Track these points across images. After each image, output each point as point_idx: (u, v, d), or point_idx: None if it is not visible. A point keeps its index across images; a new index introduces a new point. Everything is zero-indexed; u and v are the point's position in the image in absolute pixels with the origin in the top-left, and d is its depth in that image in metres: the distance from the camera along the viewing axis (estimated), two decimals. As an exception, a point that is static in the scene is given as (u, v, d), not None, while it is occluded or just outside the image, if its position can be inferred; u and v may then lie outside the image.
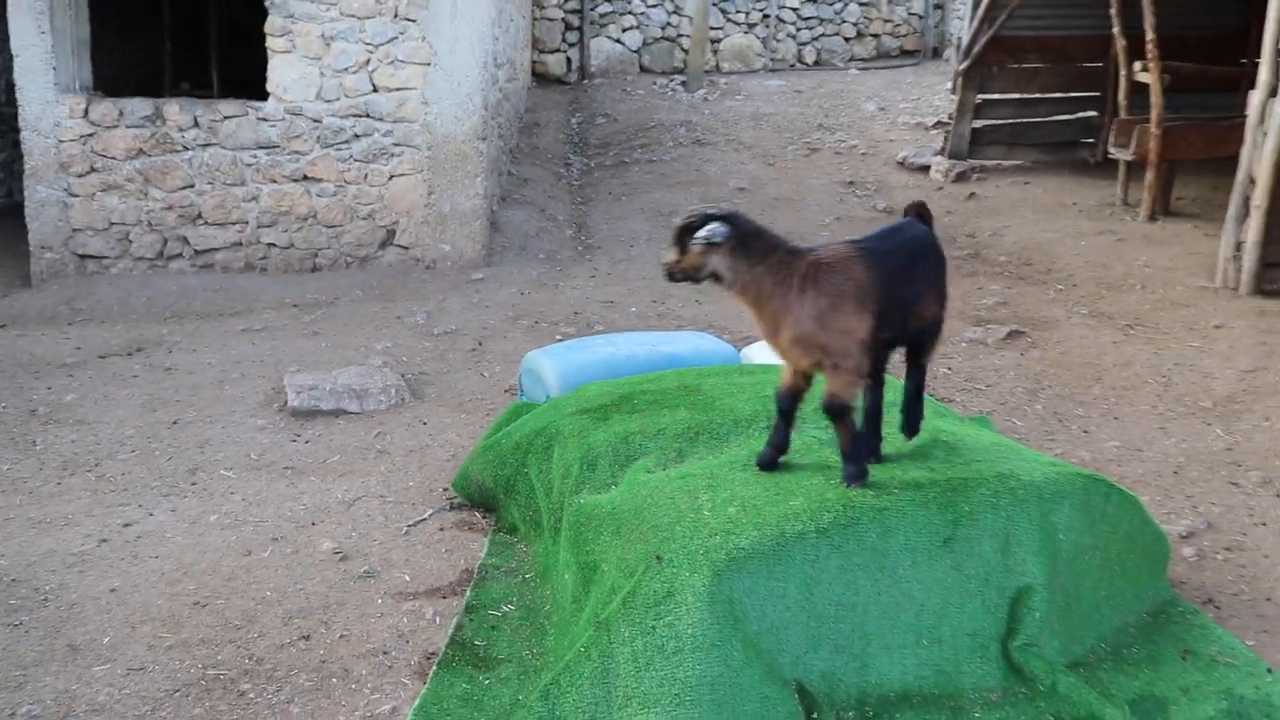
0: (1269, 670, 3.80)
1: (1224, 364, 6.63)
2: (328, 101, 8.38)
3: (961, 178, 12.07)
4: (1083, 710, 3.54)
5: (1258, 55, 7.97)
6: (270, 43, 8.30)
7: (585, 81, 17.19)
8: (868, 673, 3.66)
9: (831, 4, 18.67)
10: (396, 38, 8.32)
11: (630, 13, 17.52)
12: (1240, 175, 7.98)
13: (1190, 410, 6.07)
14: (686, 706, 3.30)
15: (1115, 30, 10.59)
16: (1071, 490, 3.97)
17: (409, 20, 8.29)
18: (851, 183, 12.23)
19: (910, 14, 19.19)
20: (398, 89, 8.40)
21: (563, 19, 17.14)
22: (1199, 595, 4.32)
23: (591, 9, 17.24)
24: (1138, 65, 10.10)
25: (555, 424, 4.64)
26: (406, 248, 8.69)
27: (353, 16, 8.25)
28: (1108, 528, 4.06)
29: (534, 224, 9.91)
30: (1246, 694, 3.69)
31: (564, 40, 17.24)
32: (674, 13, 17.75)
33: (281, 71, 8.35)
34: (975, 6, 12.13)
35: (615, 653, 3.42)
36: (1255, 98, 7.85)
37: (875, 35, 19.12)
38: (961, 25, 14.78)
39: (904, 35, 19.29)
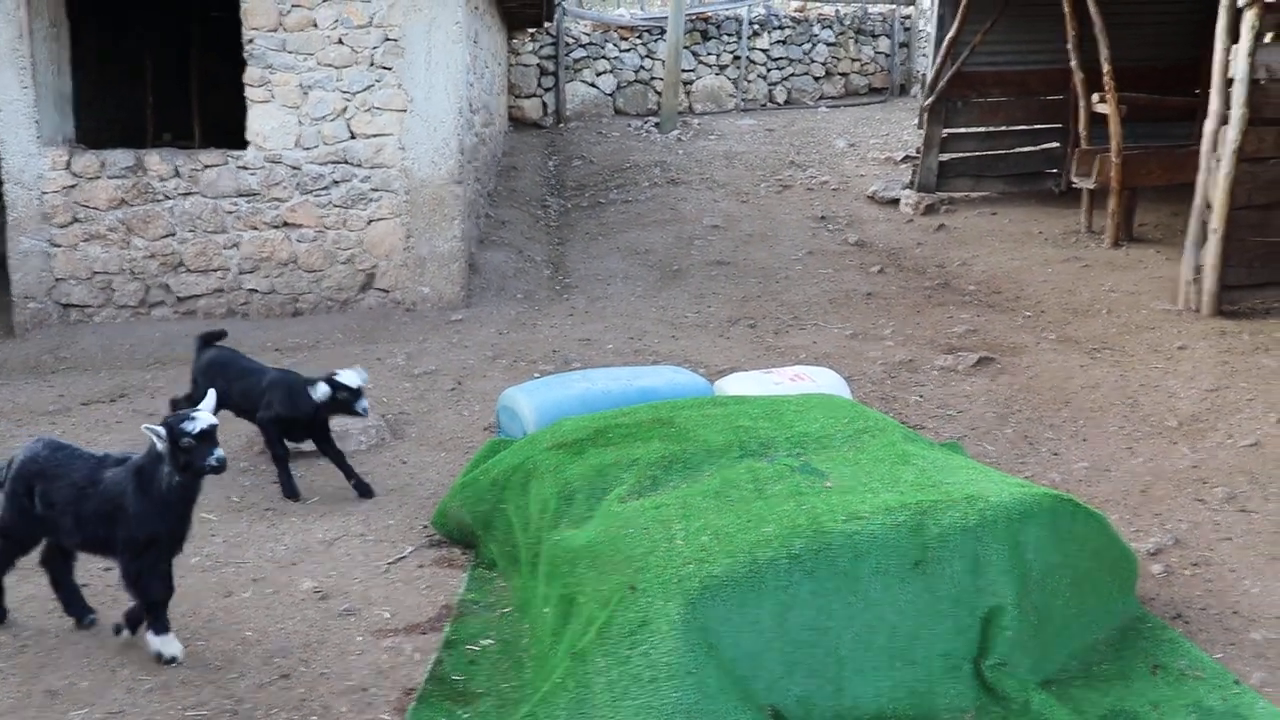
0: (1236, 681, 3.88)
1: (1188, 384, 6.75)
2: (306, 149, 8.48)
3: (930, 210, 12.27)
4: (1055, 727, 3.60)
5: (1209, 85, 8.22)
6: (249, 93, 8.41)
7: (561, 125, 17.40)
8: (843, 696, 3.72)
9: (801, 44, 19.00)
10: (373, 85, 8.44)
11: (604, 57, 17.79)
12: (1197, 201, 8.17)
13: (1156, 430, 6.19)
14: (663, 734, 3.35)
15: (1073, 64, 10.85)
16: (1039, 510, 4.05)
17: (385, 69, 8.42)
18: (823, 217, 12.40)
19: (877, 53, 19.55)
20: (375, 135, 8.52)
21: (538, 64, 17.38)
22: (1168, 610, 4.40)
23: (566, 54, 17.49)
24: (1096, 97, 10.33)
25: (532, 459, 4.70)
26: (386, 291, 8.77)
27: (330, 66, 8.38)
28: (1075, 546, 4.14)
29: (512, 265, 10.01)
30: (1214, 706, 3.76)
31: (540, 85, 17.47)
32: (647, 56, 18.02)
33: (260, 120, 8.46)
34: (939, 44, 12.39)
35: (591, 683, 3.46)
36: (1207, 126, 8.05)
37: (844, 74, 19.45)
38: (926, 63, 15.07)
39: (872, 73, 19.63)
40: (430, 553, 4.93)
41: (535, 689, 3.72)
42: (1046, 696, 3.72)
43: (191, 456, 3.75)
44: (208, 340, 5.90)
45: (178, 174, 8.47)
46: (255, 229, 8.57)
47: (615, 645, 3.51)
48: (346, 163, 8.54)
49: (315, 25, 8.31)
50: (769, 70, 18.91)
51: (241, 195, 8.51)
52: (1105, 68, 9.97)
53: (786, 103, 19.05)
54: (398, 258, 8.70)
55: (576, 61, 17.65)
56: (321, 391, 5.34)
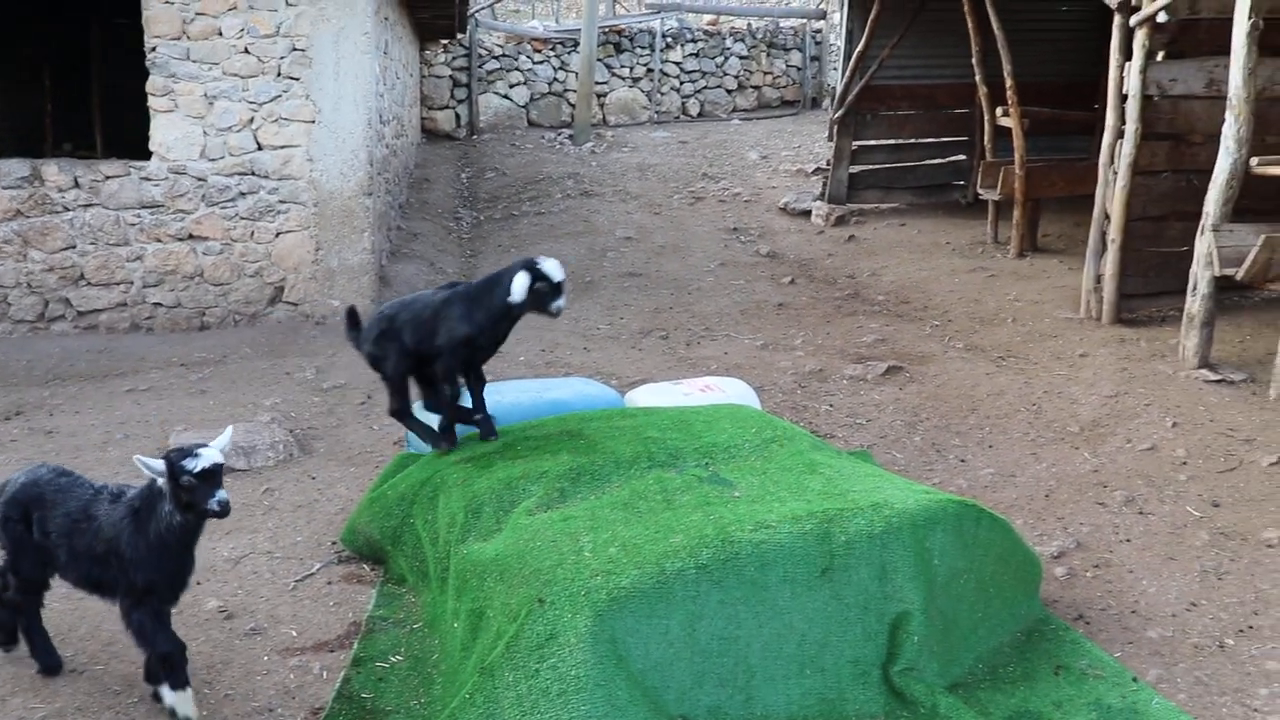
0: (1134, 679, 3.98)
1: (1089, 390, 6.94)
2: (212, 160, 8.30)
3: (841, 221, 12.44)
4: (962, 728, 3.65)
5: (1106, 102, 8.46)
6: (152, 102, 8.20)
7: (474, 137, 17.30)
8: (753, 705, 3.73)
9: (713, 58, 19.16)
10: (280, 96, 8.29)
11: (518, 69, 17.74)
12: (1096, 212, 8.42)
13: (1059, 436, 6.34)
14: (574, 748, 3.32)
15: (977, 78, 11.11)
16: (944, 516, 4.12)
17: (292, 79, 8.28)
18: (735, 229, 12.50)
19: (789, 66, 19.80)
20: (282, 146, 8.36)
21: (451, 76, 17.27)
22: (1070, 612, 4.50)
23: (479, 66, 17.40)
24: (1000, 110, 10.59)
25: (440, 473, 4.64)
26: (295, 304, 8.61)
27: (235, 75, 8.21)
28: (980, 551, 4.21)
29: (423, 277, 9.90)
30: (1114, 703, 3.86)
31: (453, 97, 17.35)
32: (560, 68, 18.02)
33: (164, 131, 8.24)
34: (847, 57, 12.59)
35: (500, 697, 3.42)
36: (1104, 140, 8.30)
37: (756, 87, 19.67)
38: (838, 76, 15.31)
39: (784, 87, 19.88)
40: (339, 569, 4.84)
41: (445, 705, 3.67)
42: (953, 700, 3.78)
43: (193, 496, 3.43)
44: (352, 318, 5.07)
45: (77, 185, 8.21)
46: (160, 241, 8.35)
47: (524, 659, 3.47)
48: (253, 174, 8.37)
49: (220, 34, 8.14)
50: (682, 83, 19.04)
51: (145, 207, 8.29)
52: (1008, 82, 10.23)
53: (700, 115, 19.20)
54: (306, 270, 8.55)
55: (490, 73, 17.57)
56: (520, 285, 4.41)
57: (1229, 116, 7.01)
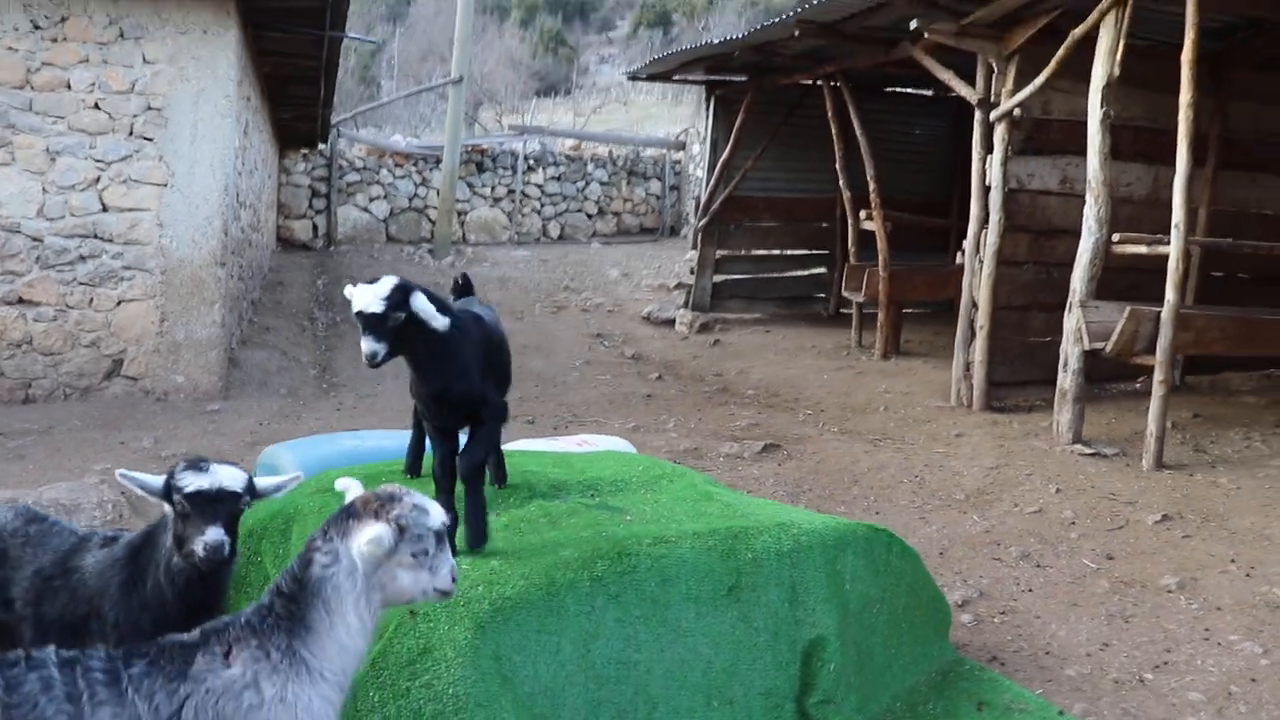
0: (1060, 713, 3.68)
1: (969, 463, 6.82)
2: (50, 219, 7.65)
3: (705, 328, 12.39)
4: (885, 762, 3.26)
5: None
6: (-12, 154, 7.59)
7: (332, 248, 16.82)
8: (655, 740, 3.27)
9: (575, 182, 19.30)
10: (130, 156, 7.76)
11: (378, 182, 17.46)
12: (964, 300, 8.51)
13: (946, 503, 6.15)
14: (451, 778, 2.80)
15: (841, 183, 11.36)
16: (855, 539, 3.81)
17: (145, 139, 7.77)
18: (599, 335, 12.29)
19: (649, 194, 20.10)
20: (130, 209, 7.78)
21: (310, 185, 16.85)
22: (983, 654, 4.21)
23: (340, 178, 17.06)
24: (863, 214, 10.79)
25: (294, 504, 4.08)
26: (135, 378, 7.88)
27: (82, 131, 7.66)
28: (892, 579, 3.90)
29: (275, 362, 9.30)
30: (1043, 735, 3.54)
31: (311, 207, 16.90)
32: (421, 184, 17.82)
33: (-1, 185, 7.61)
34: (711, 166, 12.77)
35: (364, 722, 2.89)
36: (970, 230, 8.48)
37: (617, 213, 19.84)
38: (696, 205, 15.55)
39: (644, 214, 20.12)
40: (166, 624, 4.19)
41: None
42: (874, 733, 3.39)
43: (182, 528, 2.53)
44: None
45: (-112, 242, 7.46)
46: (-17, 304, 7.60)
47: (391, 676, 2.96)
48: (96, 237, 7.74)
49: (69, 87, 7.62)
50: (543, 205, 19.06)
51: (-32, 266, 7.57)
52: (871, 185, 10.45)
53: (560, 238, 19.18)
54: (149, 342, 7.88)
55: (350, 185, 17.23)
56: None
57: (1089, 199, 7.21)
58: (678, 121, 24.14)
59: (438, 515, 2.33)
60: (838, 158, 11.29)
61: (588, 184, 19.46)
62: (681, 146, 20.22)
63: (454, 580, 2.35)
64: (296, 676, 2.08)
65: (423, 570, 2.27)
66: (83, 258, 7.72)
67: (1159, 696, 3.86)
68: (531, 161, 18.77)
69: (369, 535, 2.16)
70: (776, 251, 13.48)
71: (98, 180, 7.72)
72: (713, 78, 12.65)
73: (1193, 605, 4.65)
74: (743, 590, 3.49)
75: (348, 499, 2.39)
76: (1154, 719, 3.69)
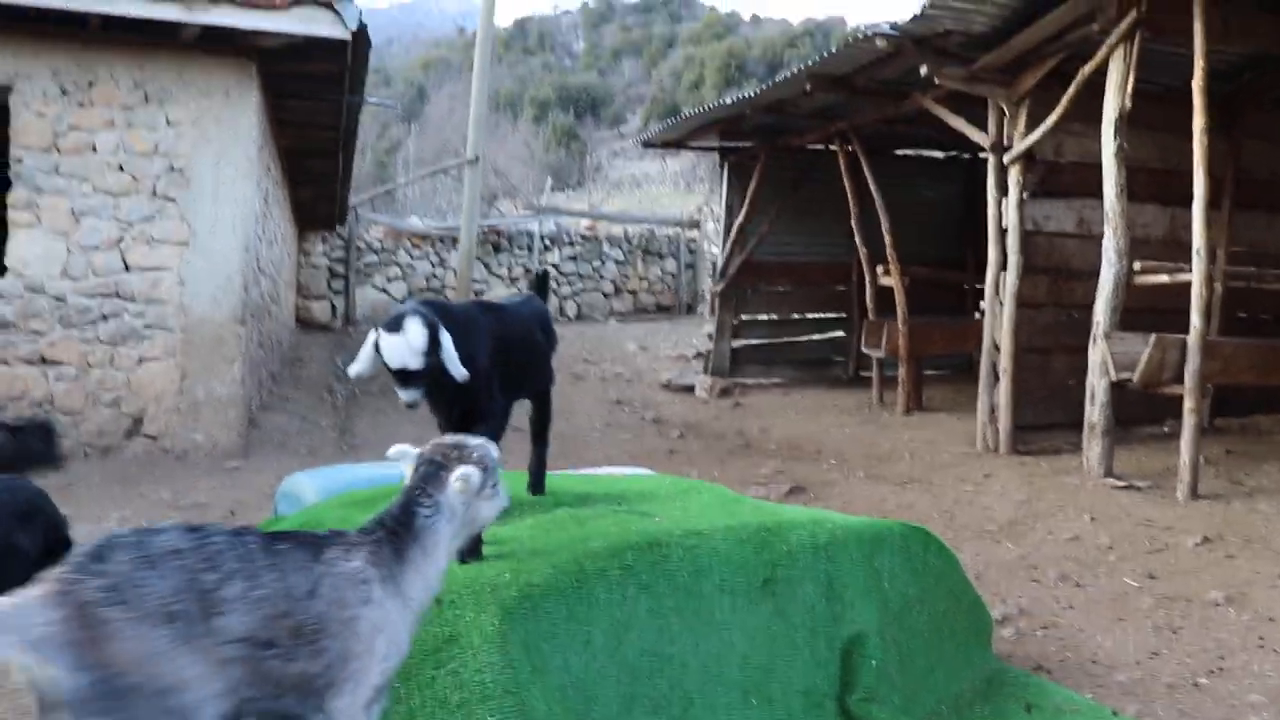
0: (1114, 713, 3.52)
1: (1000, 499, 6.68)
2: (74, 279, 7.68)
3: (725, 393, 12.31)
4: (935, 757, 3.11)
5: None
6: (12, 215, 7.60)
7: (350, 328, 16.88)
8: (692, 738, 3.13)
9: (590, 261, 19.44)
10: (153, 216, 7.82)
11: (396, 263, 17.63)
12: (986, 344, 8.44)
13: (978, 534, 6.01)
14: (479, 767, 2.67)
15: (857, 240, 11.38)
16: (891, 536, 3.71)
17: (167, 199, 7.84)
18: (619, 401, 12.22)
19: (664, 273, 20.21)
20: (152, 268, 7.82)
21: (328, 266, 17.00)
22: (1027, 664, 4.06)
23: (358, 259, 17.22)
24: (880, 269, 10.79)
25: (317, 517, 4.01)
26: (155, 437, 7.83)
27: (107, 193, 7.74)
28: (932, 580, 3.78)
29: (295, 426, 9.27)
30: (1096, 732, 3.38)
31: (329, 287, 17.03)
32: (439, 264, 17.98)
33: (23, 246, 7.60)
34: (727, 230, 12.82)
35: (388, 714, 2.76)
36: (989, 273, 8.45)
37: (633, 292, 19.93)
38: (711, 283, 15.61)
39: (660, 292, 20.20)
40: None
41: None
42: (921, 727, 3.25)
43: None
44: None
45: (-82, 300, 7.50)
46: (6, 364, 7.56)
47: (417, 666, 2.83)
48: (118, 296, 7.77)
49: (94, 149, 7.72)
50: (560, 285, 19.16)
51: (-6, 326, 7.60)
52: (888, 239, 10.46)
53: (578, 316, 19.24)
54: (170, 401, 7.85)
55: (367, 266, 17.40)
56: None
57: (1107, 230, 7.19)
58: (689, 208, 24.40)
59: (494, 447, 2.54)
60: (853, 216, 11.33)
61: (604, 263, 19.58)
62: (696, 225, 20.38)
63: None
64: (393, 595, 2.28)
65: (497, 499, 2.52)
66: (104, 316, 7.75)
67: (1217, 699, 3.69)
68: (547, 241, 18.93)
69: (460, 474, 2.39)
70: (794, 315, 13.46)
71: (120, 240, 7.78)
72: (726, 144, 12.79)
73: (1244, 617, 4.50)
74: (778, 584, 3.38)
75: (403, 466, 2.54)
76: (1214, 719, 3.52)
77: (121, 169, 7.77)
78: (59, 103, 7.66)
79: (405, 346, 3.03)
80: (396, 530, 2.35)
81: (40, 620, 1.81)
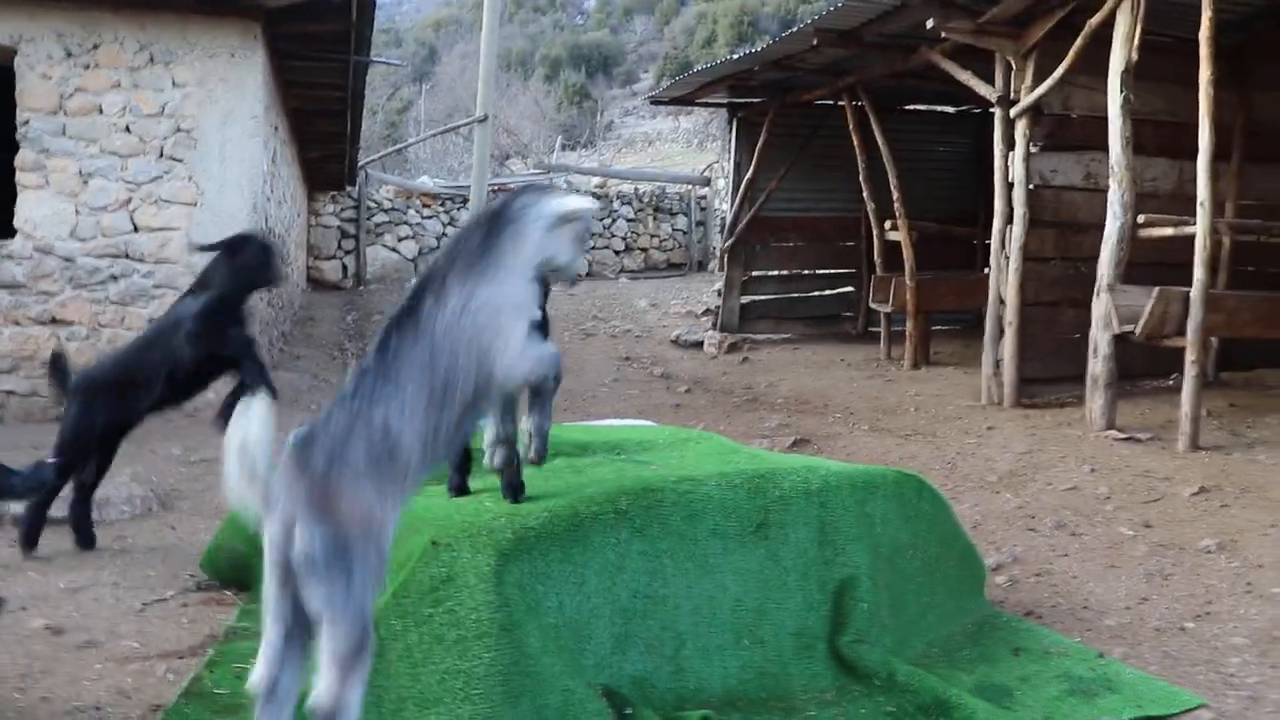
0: (1100, 655, 3.60)
1: (1001, 450, 6.74)
2: (83, 240, 7.77)
3: (734, 348, 12.36)
4: (927, 697, 3.19)
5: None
6: (20, 177, 7.69)
7: (361, 288, 16.98)
8: (684, 677, 3.22)
9: (601, 219, 19.42)
10: (161, 177, 7.89)
11: (406, 223, 17.67)
12: (991, 297, 8.46)
13: (979, 485, 6.08)
14: (474, 702, 2.77)
15: (865, 195, 11.37)
16: (884, 482, 3.77)
17: (175, 160, 7.90)
18: (628, 358, 12.29)
19: (675, 230, 20.18)
20: (161, 229, 7.90)
21: (339, 227, 17.07)
22: (1018, 610, 4.13)
23: (368, 219, 17.27)
24: (889, 224, 10.79)
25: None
26: (164, 397, 7.95)
27: (114, 154, 7.80)
28: (924, 526, 3.85)
29: (306, 383, 9.37)
30: (1084, 674, 3.46)
31: (340, 247, 17.11)
32: (449, 224, 18.00)
33: (32, 208, 7.70)
34: (735, 187, 12.82)
35: (385, 650, 2.86)
36: (995, 225, 8.45)
37: (644, 249, 19.93)
38: (722, 240, 15.62)
39: (670, 250, 20.19)
40: (196, 595, 4.20)
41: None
42: (912, 669, 3.32)
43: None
44: None
45: (-71, 261, 7.60)
46: (18, 324, 7.69)
47: (414, 605, 2.94)
48: (127, 256, 7.85)
49: (101, 111, 7.77)
50: (572, 243, 19.18)
51: (4, 287, 7.67)
52: (895, 195, 10.45)
53: (588, 274, 19.26)
54: (178, 359, 7.95)
55: (378, 226, 17.45)
56: None
57: (1112, 184, 7.19)
58: (701, 166, 24.31)
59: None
60: (861, 171, 11.31)
61: (614, 221, 19.58)
62: (707, 183, 20.34)
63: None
64: (488, 284, 2.66)
65: (578, 253, 2.88)
66: (114, 277, 7.84)
67: (1201, 641, 3.76)
68: (558, 199, 18.91)
69: (572, 201, 2.80)
70: (803, 271, 13.47)
71: (129, 201, 7.86)
72: (735, 100, 12.75)
73: (1233, 564, 4.56)
74: (770, 528, 3.45)
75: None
76: (1197, 660, 3.60)
77: (128, 130, 7.83)
78: (64, 65, 7.71)
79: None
80: (488, 229, 2.73)
81: (289, 494, 2.32)
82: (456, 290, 2.62)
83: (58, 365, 4.77)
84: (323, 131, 12.67)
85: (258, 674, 2.45)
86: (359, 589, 2.34)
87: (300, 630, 2.41)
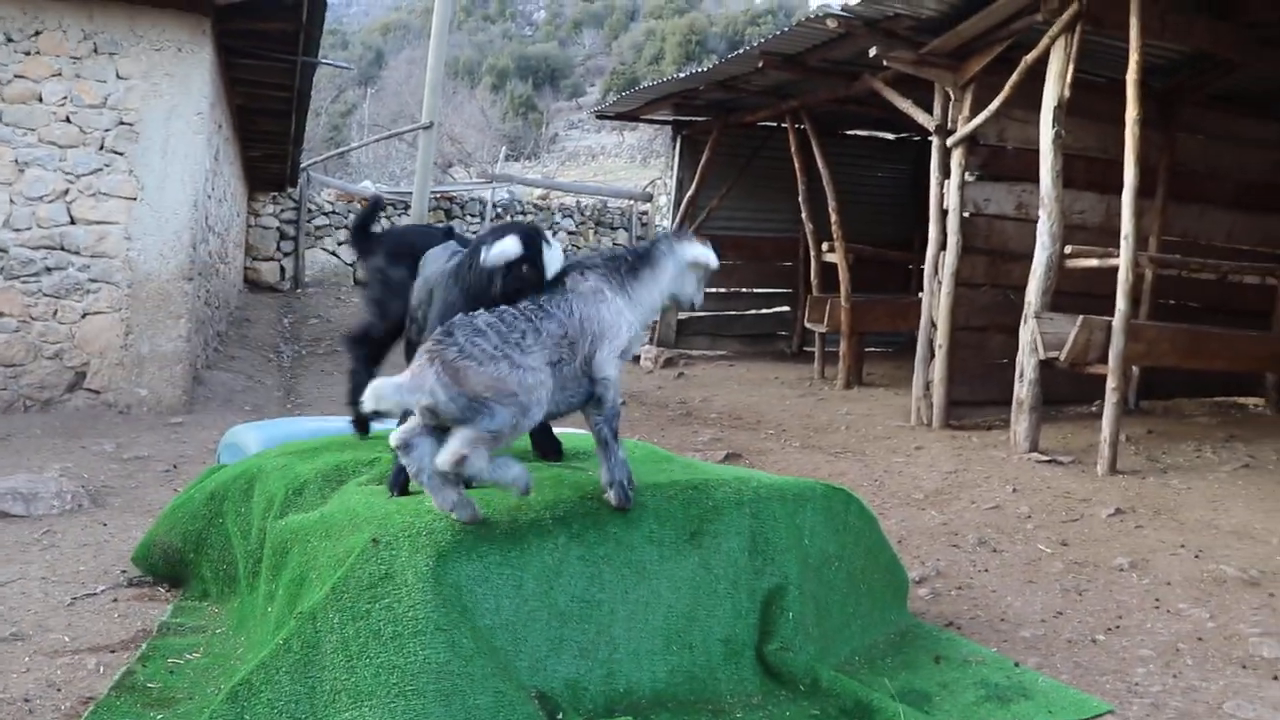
0: (1016, 664, 3.75)
1: (928, 469, 6.92)
2: (17, 230, 7.66)
3: (670, 363, 12.50)
4: (850, 701, 3.30)
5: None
6: (-47, 164, 7.61)
7: (299, 290, 16.85)
8: (615, 680, 3.29)
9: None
10: (101, 169, 7.81)
11: (345, 226, 17.55)
12: (923, 320, 8.68)
13: (905, 501, 6.24)
14: (407, 697, 2.81)
15: (804, 216, 11.57)
16: (814, 495, 3.88)
17: (116, 153, 7.83)
18: (569, 369, 12.36)
19: (616, 244, 20.30)
20: (99, 222, 7.81)
21: (278, 228, 16.93)
22: (940, 620, 4.26)
23: (308, 220, 17.15)
24: (825, 245, 11.00)
25: (258, 465, 4.13)
26: (98, 391, 7.84)
27: (53, 144, 7.71)
28: (850, 539, 3.97)
29: (240, 384, 9.30)
30: (1000, 682, 3.60)
31: (279, 249, 16.96)
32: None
33: (-36, 195, 7.61)
34: (677, 204, 12.97)
35: (321, 643, 2.90)
36: (929, 251, 8.67)
37: (585, 262, 20.01)
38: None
39: (612, 263, 20.30)
40: (128, 590, 4.19)
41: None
42: (835, 675, 3.43)
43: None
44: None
45: None
46: (-56, 314, 7.57)
47: (352, 600, 2.98)
48: (63, 249, 7.76)
49: (40, 99, 7.68)
50: (513, 253, 19.20)
51: (-70, 276, 7.56)
52: (833, 217, 10.66)
53: (529, 285, 19.31)
54: (114, 355, 7.86)
55: (318, 229, 17.34)
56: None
57: (1042, 214, 7.43)
58: (644, 182, 24.48)
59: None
60: (801, 192, 11.52)
61: (555, 232, 19.64)
62: (649, 199, 20.50)
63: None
64: (621, 295, 3.36)
65: (700, 289, 3.65)
66: (49, 269, 7.74)
67: (1111, 653, 3.93)
68: (500, 209, 18.95)
69: (704, 250, 3.58)
70: (741, 289, 13.65)
71: (66, 193, 7.76)
72: (680, 118, 12.91)
73: (1144, 581, 4.75)
74: (704, 537, 3.54)
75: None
76: (1106, 670, 3.76)
77: (69, 120, 7.75)
78: (3, 50, 7.61)
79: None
80: (638, 259, 3.45)
81: (427, 377, 2.94)
82: (596, 282, 3.32)
83: None
84: (266, 130, 12.59)
85: (398, 436, 3.07)
86: (498, 421, 2.99)
87: (436, 433, 3.04)
